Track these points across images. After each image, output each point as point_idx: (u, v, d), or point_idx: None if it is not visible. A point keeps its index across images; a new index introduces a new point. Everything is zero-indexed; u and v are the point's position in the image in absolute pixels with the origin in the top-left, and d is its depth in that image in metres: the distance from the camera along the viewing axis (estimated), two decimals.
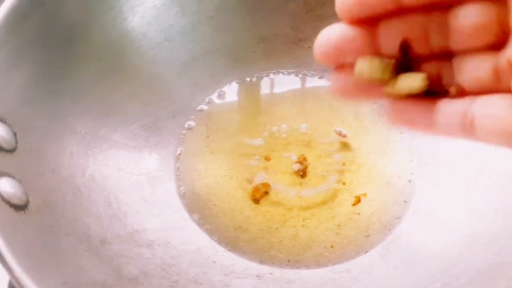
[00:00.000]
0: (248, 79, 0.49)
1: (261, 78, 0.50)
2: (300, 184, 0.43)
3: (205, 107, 0.48)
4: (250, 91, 0.49)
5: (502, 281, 0.32)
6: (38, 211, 0.33)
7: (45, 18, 0.37)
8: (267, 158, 0.45)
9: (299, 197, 0.43)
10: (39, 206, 0.33)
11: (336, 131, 0.46)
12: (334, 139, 0.46)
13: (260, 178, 0.43)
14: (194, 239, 0.40)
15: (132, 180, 0.41)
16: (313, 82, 0.49)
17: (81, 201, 0.37)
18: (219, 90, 0.49)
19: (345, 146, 0.46)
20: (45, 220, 0.33)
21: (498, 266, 0.33)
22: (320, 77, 0.50)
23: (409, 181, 0.43)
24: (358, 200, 0.43)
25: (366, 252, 0.39)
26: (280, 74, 0.50)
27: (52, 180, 0.36)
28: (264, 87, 0.49)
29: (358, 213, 0.42)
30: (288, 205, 0.42)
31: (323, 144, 0.46)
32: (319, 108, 0.48)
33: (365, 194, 0.43)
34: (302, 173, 0.44)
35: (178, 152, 0.45)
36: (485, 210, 0.37)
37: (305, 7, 0.48)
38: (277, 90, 0.49)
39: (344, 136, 0.46)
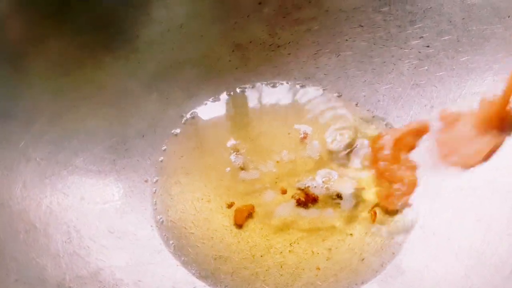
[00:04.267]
0: (221, 95, 0.45)
1: (236, 92, 0.45)
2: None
3: (177, 129, 0.43)
4: (225, 107, 0.45)
5: None
6: None
7: None
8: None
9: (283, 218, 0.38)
10: None
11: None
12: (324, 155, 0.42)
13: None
14: (169, 274, 0.35)
15: (96, 210, 0.36)
16: (294, 92, 0.46)
17: (36, 239, 0.32)
18: (192, 111, 0.44)
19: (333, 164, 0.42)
20: None
21: None
22: (301, 86, 0.46)
23: None
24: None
25: (362, 280, 0.35)
26: (258, 86, 0.46)
27: (0, 216, 0.31)
28: (239, 102, 0.45)
29: (351, 234, 0.38)
30: (274, 228, 0.38)
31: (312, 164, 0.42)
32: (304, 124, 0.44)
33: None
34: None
35: (149, 176, 0.40)
36: (490, 227, 0.34)
37: (282, 11, 0.44)
38: (255, 103, 0.45)
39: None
